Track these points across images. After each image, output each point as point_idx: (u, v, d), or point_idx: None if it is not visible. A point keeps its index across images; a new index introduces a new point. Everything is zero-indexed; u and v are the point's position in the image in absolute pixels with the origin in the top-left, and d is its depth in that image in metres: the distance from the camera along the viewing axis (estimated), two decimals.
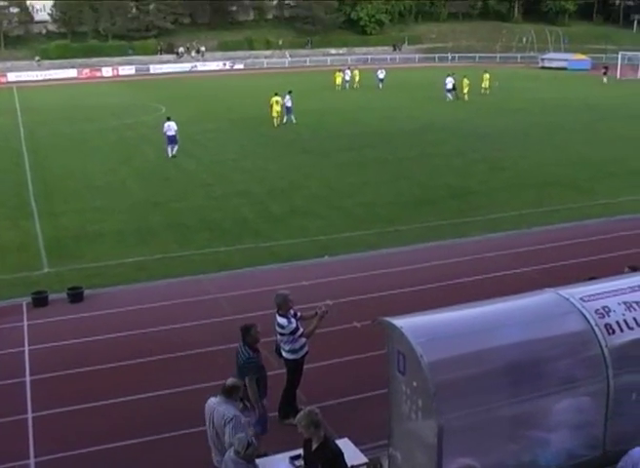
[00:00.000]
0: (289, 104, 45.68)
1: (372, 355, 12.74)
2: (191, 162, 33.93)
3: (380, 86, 66.99)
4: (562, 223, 22.96)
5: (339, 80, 67.50)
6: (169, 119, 35.61)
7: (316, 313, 11.61)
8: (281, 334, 11.55)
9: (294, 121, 45.28)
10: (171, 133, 35.06)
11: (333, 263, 19.71)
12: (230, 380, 9.22)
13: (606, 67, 74.00)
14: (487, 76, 60.99)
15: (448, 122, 44.94)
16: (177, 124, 35.44)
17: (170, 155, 35.02)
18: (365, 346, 13.41)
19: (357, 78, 69.40)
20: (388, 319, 9.09)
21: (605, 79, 71.08)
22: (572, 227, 22.56)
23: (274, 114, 44.71)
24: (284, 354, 11.74)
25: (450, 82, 57.84)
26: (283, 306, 11.42)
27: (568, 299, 9.34)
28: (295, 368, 11.73)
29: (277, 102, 44.95)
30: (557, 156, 33.61)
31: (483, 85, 60.78)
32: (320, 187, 28.28)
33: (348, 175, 30.13)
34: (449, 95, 57.54)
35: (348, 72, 69.95)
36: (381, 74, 67.93)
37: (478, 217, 23.64)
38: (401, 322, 8.81)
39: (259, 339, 10.75)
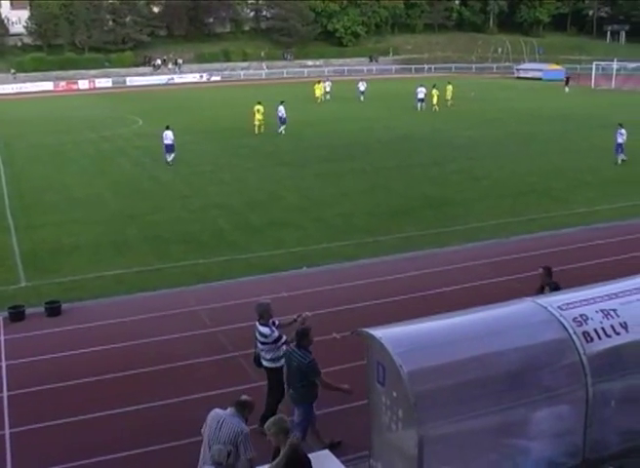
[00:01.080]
0: (281, 114, 45.99)
1: (351, 366, 12.70)
2: (168, 174, 33.82)
3: (362, 98, 66.62)
4: (539, 232, 23.08)
5: (318, 92, 66.87)
6: (167, 128, 36.58)
7: (295, 320, 11.62)
8: (263, 343, 11.55)
9: (282, 132, 45.65)
10: (167, 141, 36.30)
11: (311, 274, 19.69)
12: (243, 396, 9.18)
13: (567, 78, 74.64)
14: (450, 88, 61.38)
15: (425, 132, 45.15)
16: (174, 133, 36.57)
17: (166, 162, 36.08)
18: (344, 357, 13.38)
19: (322, 91, 67.87)
20: (367, 330, 9.08)
21: (567, 89, 71.51)
22: (549, 236, 22.69)
23: (256, 122, 45.71)
24: (265, 363, 11.73)
25: (421, 92, 58.59)
26: (265, 315, 11.51)
27: (546, 308, 9.38)
28: (277, 376, 11.63)
29: (259, 111, 45.83)
30: (533, 165, 33.82)
31: (447, 97, 61.02)
32: (298, 198, 28.28)
33: (327, 186, 30.15)
34: (420, 104, 58.28)
35: (328, 84, 69.65)
36: (362, 86, 67.47)
37: (456, 227, 23.72)
38: (380, 332, 8.80)
39: (312, 342, 10.86)
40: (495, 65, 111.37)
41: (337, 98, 67.21)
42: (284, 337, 11.45)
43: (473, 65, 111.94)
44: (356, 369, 11.81)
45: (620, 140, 34.23)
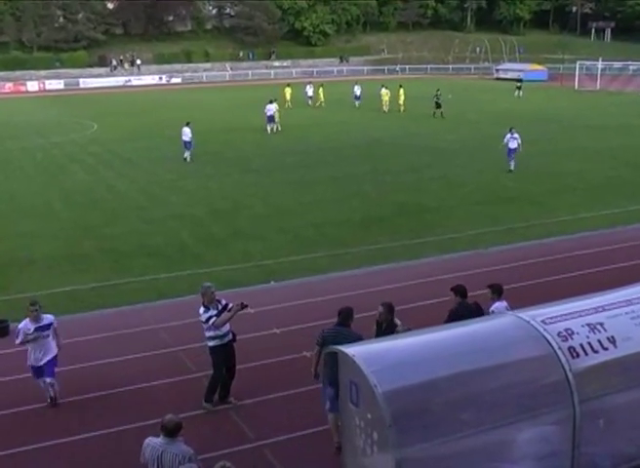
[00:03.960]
0: (270, 113, 48.40)
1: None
2: (124, 183, 33.66)
3: (357, 104, 63.91)
4: (521, 242, 23.26)
5: (288, 95, 64.02)
6: (187, 124, 39.13)
7: (242, 306, 13.15)
8: (201, 322, 13.17)
9: (269, 130, 48.45)
10: (185, 138, 39.04)
11: (280, 289, 19.66)
12: (169, 418, 8.96)
13: (520, 81, 74.23)
14: (402, 91, 60.88)
15: (401, 136, 45.36)
16: (192, 130, 38.97)
17: (184, 158, 38.81)
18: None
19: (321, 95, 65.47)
20: (339, 347, 9.08)
21: (517, 93, 71.28)
22: (531, 246, 22.86)
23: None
24: (206, 341, 13.37)
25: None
26: (205, 298, 13.17)
27: (529, 322, 9.41)
28: (212, 354, 13.27)
29: (288, 92, 52.97)
30: (515, 170, 34.05)
31: (399, 101, 60.66)
32: (265, 207, 28.26)
33: (296, 194, 30.19)
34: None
35: (310, 87, 66.71)
36: (358, 90, 64.30)
37: (432, 237, 23.82)
38: (353, 350, 8.80)
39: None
40: (473, 66, 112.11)
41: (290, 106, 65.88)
42: (213, 319, 12.96)
43: (450, 66, 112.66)
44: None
45: (513, 146, 33.91)
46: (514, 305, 12.23)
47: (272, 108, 48.43)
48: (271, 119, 48.57)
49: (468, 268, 20.52)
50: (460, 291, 13.04)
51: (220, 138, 45.21)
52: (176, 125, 52.67)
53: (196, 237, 24.66)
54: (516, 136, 33.99)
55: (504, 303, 12.92)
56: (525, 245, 23.02)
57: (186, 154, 38.91)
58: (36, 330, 13.35)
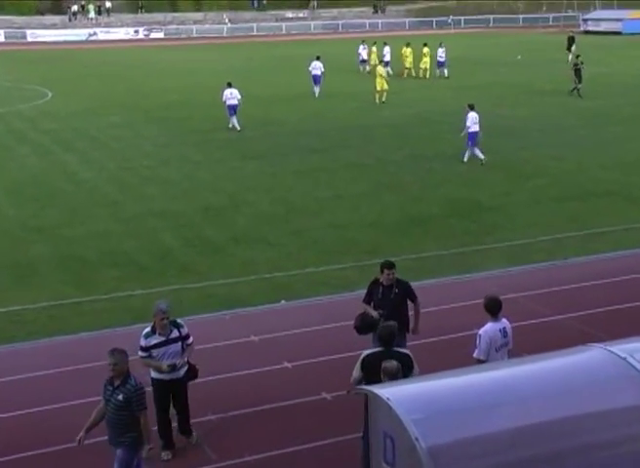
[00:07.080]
0: (317, 73, 51.06)
1: (348, 438, 12.73)
2: (89, 169, 33.78)
3: (445, 73, 61.96)
4: (613, 251, 23.13)
5: (408, 60, 62.61)
6: (230, 85, 41.45)
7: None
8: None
9: (316, 94, 51.03)
10: (233, 101, 41.27)
11: (292, 310, 19.67)
12: None
13: (571, 37, 69.48)
14: (426, 51, 61.14)
15: (449, 112, 45.15)
16: (240, 92, 41.43)
17: (230, 126, 41.18)
18: (338, 426, 13.40)
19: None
20: (370, 387, 9.07)
21: (570, 55, 66.44)
22: (627, 256, 22.72)
23: (422, 66, 60.71)
24: None
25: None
26: (155, 318, 13.54)
27: (625, 359, 9.32)
28: (151, 386, 13.82)
29: (425, 55, 58.29)
30: (606, 156, 33.97)
31: (422, 65, 60.83)
32: (273, 204, 28.31)
33: (313, 187, 30.23)
34: (387, 68, 59.59)
35: (364, 48, 65.96)
36: (443, 54, 61.56)
37: (493, 244, 23.75)
38: (387, 391, 8.79)
39: None
40: (551, 15, 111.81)
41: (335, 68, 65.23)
42: (143, 354, 13.64)
43: (520, 16, 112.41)
44: (355, 442, 11.86)
45: (473, 128, 32.97)
46: (602, 336, 12.14)
47: (318, 66, 50.61)
48: (317, 79, 50.87)
49: (544, 285, 20.47)
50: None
51: (212, 114, 45.22)
52: (157, 94, 52.99)
53: (183, 241, 24.72)
54: (473, 115, 32.97)
55: (502, 324, 13.15)
56: (619, 255, 22.87)
57: (234, 121, 40.95)
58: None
